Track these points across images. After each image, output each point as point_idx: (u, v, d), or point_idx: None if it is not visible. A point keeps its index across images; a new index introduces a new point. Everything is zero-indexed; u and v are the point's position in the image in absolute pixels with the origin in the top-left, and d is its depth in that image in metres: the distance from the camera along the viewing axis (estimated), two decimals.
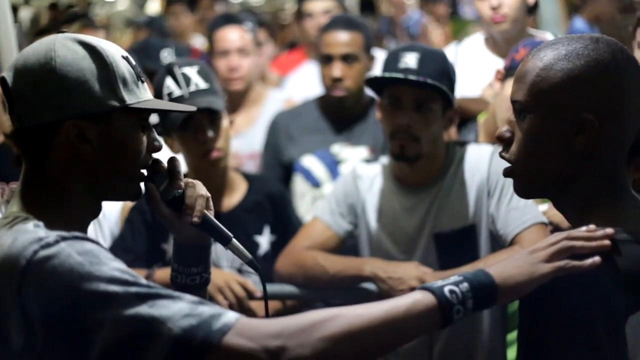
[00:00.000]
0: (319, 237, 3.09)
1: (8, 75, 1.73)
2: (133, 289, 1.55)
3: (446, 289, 1.59)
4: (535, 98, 1.74)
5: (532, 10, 4.15)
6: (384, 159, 3.14)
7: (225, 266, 3.23)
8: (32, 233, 1.63)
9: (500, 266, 1.64)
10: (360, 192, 3.11)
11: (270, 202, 3.38)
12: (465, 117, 4.03)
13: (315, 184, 3.99)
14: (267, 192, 3.39)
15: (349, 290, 2.96)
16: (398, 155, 2.97)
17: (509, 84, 3.07)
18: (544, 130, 1.73)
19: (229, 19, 4.58)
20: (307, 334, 1.53)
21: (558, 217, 2.81)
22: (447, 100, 2.97)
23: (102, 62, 1.73)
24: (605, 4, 6.28)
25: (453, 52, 4.27)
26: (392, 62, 2.98)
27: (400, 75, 2.92)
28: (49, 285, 1.56)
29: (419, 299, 1.59)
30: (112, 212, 3.19)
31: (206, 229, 1.89)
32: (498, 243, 2.94)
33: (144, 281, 1.58)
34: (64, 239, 1.60)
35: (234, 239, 1.91)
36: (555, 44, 1.76)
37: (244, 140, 4.27)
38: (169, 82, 3.11)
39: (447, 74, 2.98)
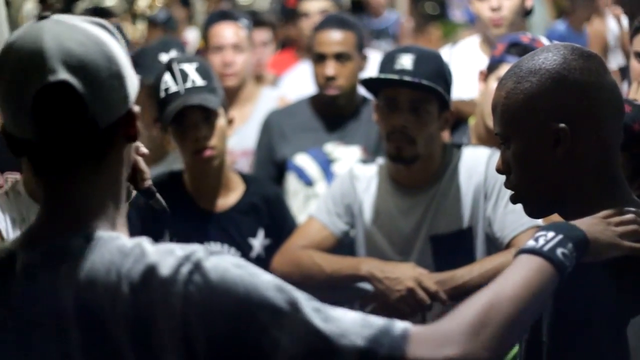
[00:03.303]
0: (315, 237, 3.09)
1: (68, 77, 1.46)
2: (300, 301, 1.41)
3: (559, 253, 1.59)
4: (508, 127, 1.79)
5: (528, 14, 4.17)
6: (381, 160, 3.15)
7: None
8: (170, 256, 1.43)
9: (586, 226, 1.67)
10: (357, 192, 3.11)
11: (266, 205, 3.38)
12: (458, 119, 4.05)
13: (308, 182, 4.00)
14: (264, 195, 3.39)
15: (344, 290, 2.97)
16: (394, 157, 2.98)
17: (493, 80, 3.10)
18: (526, 153, 1.78)
19: (224, 15, 4.57)
20: (479, 335, 1.43)
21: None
22: (443, 102, 2.98)
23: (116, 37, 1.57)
24: (590, 10, 6.29)
25: (447, 55, 4.28)
26: (388, 63, 2.98)
27: (395, 77, 2.92)
28: (216, 307, 1.39)
29: (542, 269, 1.56)
30: None
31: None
32: (494, 246, 2.95)
33: (300, 293, 1.43)
34: (211, 253, 1.43)
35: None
36: (514, 67, 1.81)
37: (237, 137, 4.26)
38: (167, 77, 3.12)
39: (442, 75, 2.98)
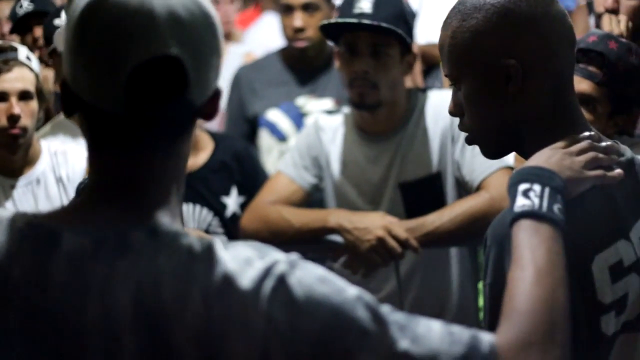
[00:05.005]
0: (283, 192, 3.03)
1: (178, 52, 1.29)
2: (386, 319, 1.28)
3: (556, 210, 1.51)
4: (456, 67, 1.72)
5: None
6: (346, 109, 3.09)
7: (192, 227, 3.20)
8: (250, 267, 1.27)
9: (557, 166, 1.59)
10: (323, 144, 3.05)
11: (237, 162, 3.35)
12: (430, 63, 3.99)
13: (281, 137, 3.94)
14: (234, 152, 3.37)
15: (315, 244, 2.92)
16: (357, 104, 2.92)
17: None
18: (478, 92, 1.71)
19: None
20: (550, 337, 1.36)
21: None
22: (405, 45, 2.91)
23: None
24: None
25: None
26: (346, 7, 2.91)
27: (354, 20, 2.85)
28: (300, 331, 1.25)
29: (554, 236, 1.48)
30: (77, 173, 3.14)
31: None
32: (464, 189, 2.90)
33: (384, 306, 1.31)
34: (292, 265, 1.28)
35: None
36: (458, 4, 1.74)
37: None
38: None
39: (403, 17, 2.91)
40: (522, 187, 1.54)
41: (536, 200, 1.51)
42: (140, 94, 1.28)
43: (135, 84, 1.28)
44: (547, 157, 1.61)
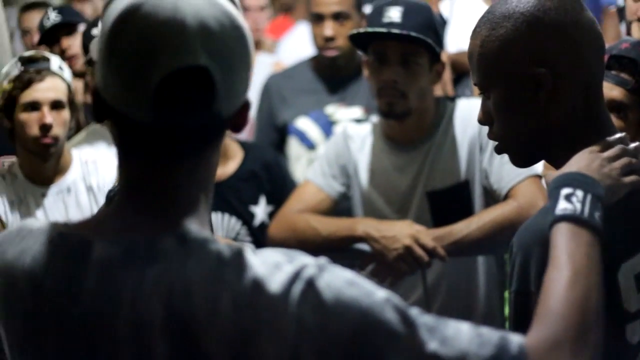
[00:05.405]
0: (311, 200, 3.04)
1: (208, 63, 1.30)
2: (415, 321, 1.28)
3: (597, 217, 1.50)
4: (486, 76, 1.72)
5: None
6: (375, 118, 3.09)
7: (221, 236, 3.21)
8: (279, 271, 1.28)
9: (597, 174, 1.59)
10: (351, 152, 3.06)
11: (267, 171, 3.36)
12: (461, 72, 3.97)
13: (310, 146, 3.95)
14: (264, 161, 3.37)
15: (343, 252, 2.92)
16: (386, 113, 2.91)
17: None
18: (507, 101, 1.71)
19: None
20: (587, 338, 1.36)
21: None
22: (434, 54, 2.91)
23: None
24: None
25: (449, 6, 4.21)
26: (375, 17, 2.91)
27: (383, 30, 2.85)
28: (330, 334, 1.26)
29: (594, 242, 1.48)
30: (107, 182, 3.17)
31: None
32: (492, 198, 2.89)
33: (413, 308, 1.31)
34: (321, 268, 1.29)
35: None
36: (487, 13, 1.74)
37: None
38: None
39: (432, 26, 2.91)
40: (565, 191, 1.53)
41: (578, 206, 1.50)
42: (169, 103, 1.29)
43: (164, 94, 1.29)
44: (587, 163, 1.60)
